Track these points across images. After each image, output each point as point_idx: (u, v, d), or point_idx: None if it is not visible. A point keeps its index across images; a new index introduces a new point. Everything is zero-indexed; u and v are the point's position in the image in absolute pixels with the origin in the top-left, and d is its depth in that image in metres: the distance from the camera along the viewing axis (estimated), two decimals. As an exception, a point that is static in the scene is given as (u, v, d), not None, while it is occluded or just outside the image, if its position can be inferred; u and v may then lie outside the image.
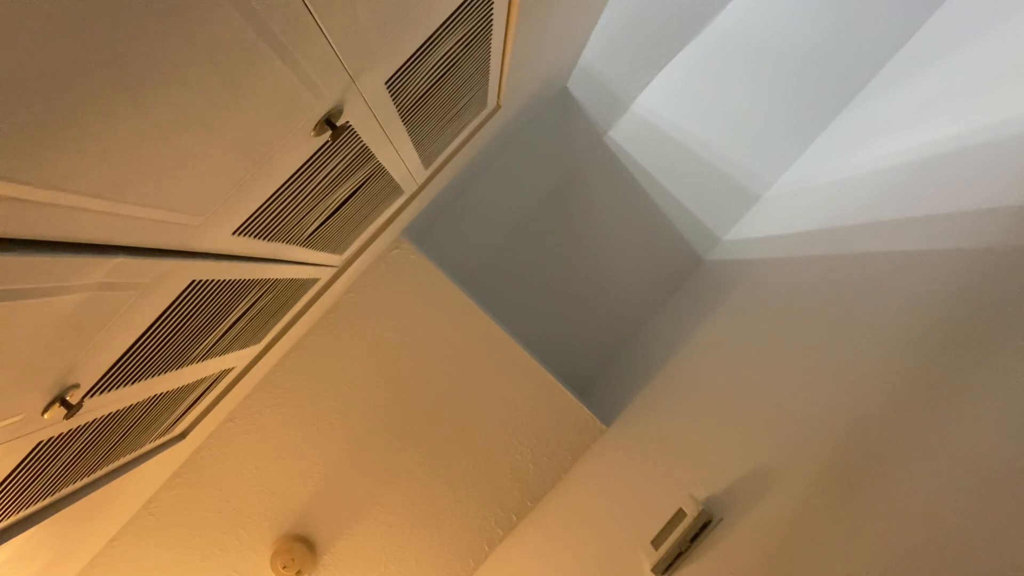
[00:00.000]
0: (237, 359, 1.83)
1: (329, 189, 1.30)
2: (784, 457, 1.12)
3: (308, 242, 1.48)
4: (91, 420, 1.18)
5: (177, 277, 1.01)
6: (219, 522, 2.43)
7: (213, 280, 1.15)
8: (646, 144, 3.16)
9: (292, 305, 1.93)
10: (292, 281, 1.68)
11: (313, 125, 0.98)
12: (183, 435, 2.03)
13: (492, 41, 1.47)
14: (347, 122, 1.10)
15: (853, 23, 3.06)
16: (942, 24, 2.66)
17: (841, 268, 1.54)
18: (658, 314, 3.10)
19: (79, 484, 1.45)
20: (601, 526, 1.69)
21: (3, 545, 1.23)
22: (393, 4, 0.90)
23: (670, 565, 1.20)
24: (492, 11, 1.30)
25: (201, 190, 0.84)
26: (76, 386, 1.00)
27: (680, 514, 1.26)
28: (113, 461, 1.54)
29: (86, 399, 1.06)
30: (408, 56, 1.12)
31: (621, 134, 3.16)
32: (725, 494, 1.22)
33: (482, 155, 2.79)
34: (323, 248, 1.65)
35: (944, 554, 0.65)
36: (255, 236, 1.15)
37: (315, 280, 1.91)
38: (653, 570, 1.21)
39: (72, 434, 1.16)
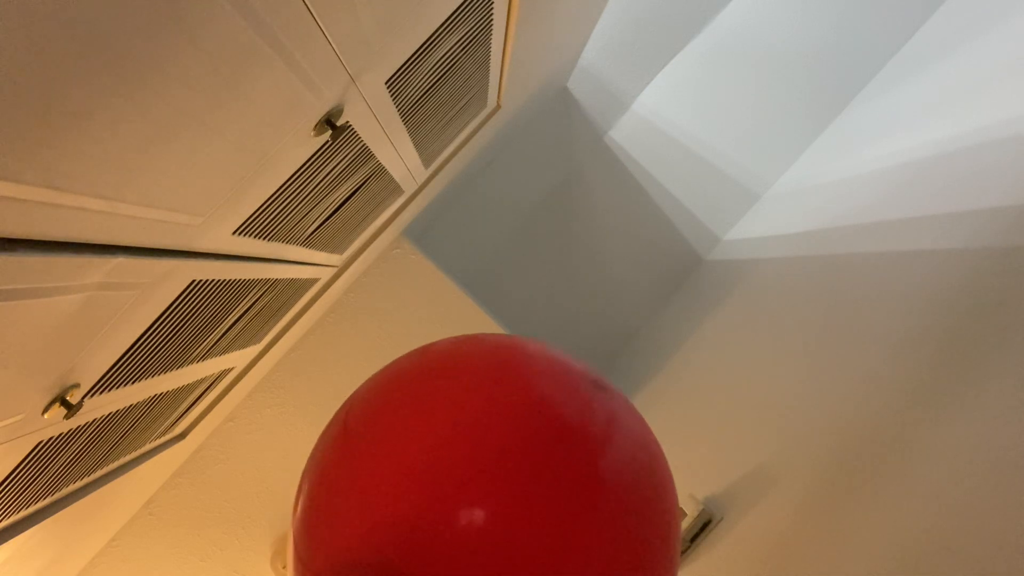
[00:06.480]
0: (237, 359, 1.83)
1: (329, 189, 1.30)
2: (784, 457, 1.12)
3: (308, 242, 1.48)
4: (91, 420, 1.18)
5: (177, 277, 1.01)
6: (219, 522, 2.43)
7: (213, 280, 1.15)
8: (646, 144, 3.15)
9: (292, 305, 1.93)
10: (292, 281, 1.68)
11: (313, 125, 0.98)
12: (183, 435, 2.03)
13: (492, 41, 1.47)
14: (347, 122, 1.10)
15: (853, 23, 3.06)
16: (942, 24, 2.66)
17: (841, 268, 1.54)
18: (658, 314, 3.10)
19: (79, 484, 1.45)
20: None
21: (3, 545, 1.23)
22: (393, 4, 0.90)
23: (670, 565, 1.20)
24: (492, 11, 1.30)
25: (201, 190, 0.84)
26: (76, 386, 1.00)
27: (680, 514, 1.26)
28: (113, 461, 1.54)
29: (86, 399, 1.06)
30: (408, 56, 1.12)
31: (621, 134, 3.16)
32: (725, 494, 1.21)
33: (482, 155, 2.79)
34: (323, 248, 1.65)
35: (943, 553, 0.65)
36: (255, 236, 1.15)
37: (315, 280, 1.91)
38: (653, 570, 1.21)
39: (72, 434, 1.16)
